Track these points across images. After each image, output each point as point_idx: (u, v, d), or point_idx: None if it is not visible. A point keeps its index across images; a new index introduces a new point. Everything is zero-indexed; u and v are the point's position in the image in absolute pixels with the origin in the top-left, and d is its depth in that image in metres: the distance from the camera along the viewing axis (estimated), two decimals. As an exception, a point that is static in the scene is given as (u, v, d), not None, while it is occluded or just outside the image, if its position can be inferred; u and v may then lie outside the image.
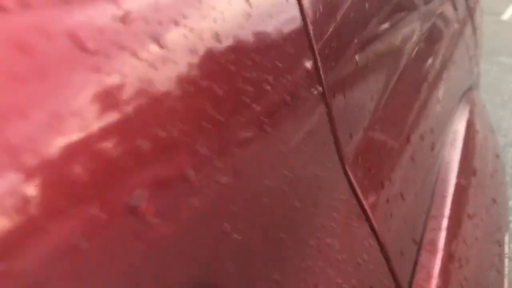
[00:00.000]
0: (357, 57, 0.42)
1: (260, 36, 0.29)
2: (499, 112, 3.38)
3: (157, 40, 0.21)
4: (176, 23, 0.23)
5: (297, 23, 0.34)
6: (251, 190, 0.26)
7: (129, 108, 0.19)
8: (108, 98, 0.18)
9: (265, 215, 0.27)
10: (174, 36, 0.23)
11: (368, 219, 0.41)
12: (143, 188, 0.19)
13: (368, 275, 0.39)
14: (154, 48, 0.21)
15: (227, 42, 0.26)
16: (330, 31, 0.38)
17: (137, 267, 0.19)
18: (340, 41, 0.40)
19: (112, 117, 0.18)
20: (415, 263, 0.46)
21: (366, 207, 0.41)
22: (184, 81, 0.22)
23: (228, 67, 0.25)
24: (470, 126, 0.81)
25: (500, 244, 0.68)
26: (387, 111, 0.48)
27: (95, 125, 0.18)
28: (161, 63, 0.21)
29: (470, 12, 1.31)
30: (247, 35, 0.28)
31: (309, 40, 0.35)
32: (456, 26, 1.02)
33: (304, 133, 0.34)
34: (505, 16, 6.88)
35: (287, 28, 0.33)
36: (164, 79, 0.21)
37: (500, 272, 0.64)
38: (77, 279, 0.16)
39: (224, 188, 0.23)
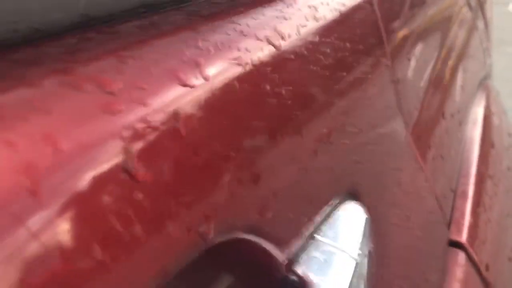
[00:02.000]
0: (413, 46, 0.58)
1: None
2: (508, 102, 3.50)
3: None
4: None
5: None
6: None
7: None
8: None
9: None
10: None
11: (422, 171, 0.57)
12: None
13: (425, 210, 0.56)
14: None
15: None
16: (398, 22, 0.54)
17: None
18: (404, 29, 0.56)
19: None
20: (453, 206, 0.63)
21: (421, 163, 0.57)
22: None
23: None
24: (487, 109, 0.97)
25: (514, 201, 0.85)
26: (430, 93, 0.64)
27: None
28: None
29: (482, 6, 1.46)
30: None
31: (379, 30, 0.51)
32: (470, 21, 1.17)
33: (379, 106, 0.50)
34: (512, 8, 6.93)
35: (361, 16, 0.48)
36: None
37: (515, 223, 0.81)
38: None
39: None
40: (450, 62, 0.82)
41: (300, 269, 0.30)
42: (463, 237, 0.59)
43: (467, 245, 0.58)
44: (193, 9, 0.30)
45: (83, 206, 0.18)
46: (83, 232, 0.17)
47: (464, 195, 0.66)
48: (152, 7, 0.28)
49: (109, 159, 0.19)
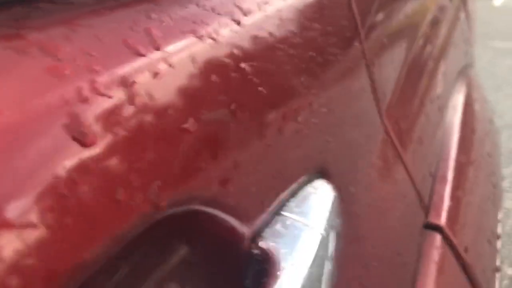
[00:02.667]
0: (387, 35, 0.58)
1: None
2: (493, 95, 3.52)
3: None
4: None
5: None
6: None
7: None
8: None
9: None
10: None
11: (398, 155, 0.57)
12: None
13: (400, 193, 0.56)
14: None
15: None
16: (373, 6, 0.54)
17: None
18: (377, 17, 0.56)
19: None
20: (432, 190, 0.63)
21: (398, 146, 0.57)
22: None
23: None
24: (467, 95, 0.97)
25: (494, 186, 0.85)
26: (408, 78, 0.65)
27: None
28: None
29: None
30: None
31: (354, 17, 0.51)
32: (452, 12, 1.18)
33: (351, 89, 0.50)
34: (497, 2, 6.99)
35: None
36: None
37: (495, 205, 0.81)
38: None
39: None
40: (429, 49, 0.83)
41: (264, 243, 0.30)
42: (442, 220, 0.59)
43: (445, 228, 0.58)
44: None
45: (32, 172, 0.17)
46: (33, 198, 0.17)
47: (444, 179, 0.66)
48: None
49: (54, 122, 0.19)
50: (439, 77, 0.83)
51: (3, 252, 0.16)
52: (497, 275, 0.70)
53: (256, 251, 0.30)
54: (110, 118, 0.21)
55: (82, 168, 0.19)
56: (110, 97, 0.21)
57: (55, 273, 0.18)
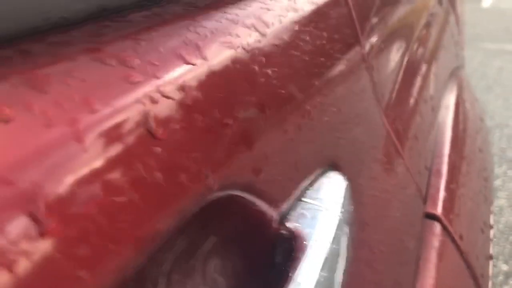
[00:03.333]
0: (385, 37, 0.63)
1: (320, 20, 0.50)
2: (485, 96, 3.59)
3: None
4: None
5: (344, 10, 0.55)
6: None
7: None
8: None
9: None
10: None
11: (397, 151, 0.62)
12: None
13: (401, 185, 0.61)
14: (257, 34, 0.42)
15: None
16: (370, 15, 0.59)
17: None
18: (376, 21, 0.61)
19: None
20: (428, 183, 0.68)
21: (396, 143, 0.62)
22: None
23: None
24: (459, 95, 1.03)
25: (486, 180, 0.91)
26: (403, 80, 0.70)
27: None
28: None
29: (453, 4, 1.53)
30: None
31: (352, 21, 0.56)
32: (442, 16, 1.24)
33: (355, 90, 0.55)
34: (486, 4, 7.09)
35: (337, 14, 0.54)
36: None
37: (486, 199, 0.86)
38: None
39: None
40: (422, 53, 0.88)
41: (290, 224, 0.35)
42: (438, 210, 0.64)
43: (442, 217, 0.63)
44: (189, 1, 0.34)
45: (117, 155, 0.22)
46: (118, 174, 0.22)
47: (439, 173, 0.71)
48: (153, 1, 0.32)
49: (133, 119, 0.23)
50: (432, 78, 0.88)
51: (101, 218, 0.21)
52: (490, 262, 0.75)
53: (284, 231, 0.34)
54: (173, 117, 0.26)
55: (154, 156, 0.24)
56: (172, 100, 0.26)
57: (138, 237, 0.23)
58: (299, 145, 0.39)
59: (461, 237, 0.64)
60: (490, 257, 0.76)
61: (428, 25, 0.93)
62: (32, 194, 0.18)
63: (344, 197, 0.40)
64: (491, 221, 0.84)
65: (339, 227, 0.37)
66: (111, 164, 0.21)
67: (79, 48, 0.24)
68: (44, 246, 0.18)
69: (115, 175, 0.21)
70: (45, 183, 0.18)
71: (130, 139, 0.23)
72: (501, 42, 5.08)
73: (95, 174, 0.21)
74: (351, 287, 0.40)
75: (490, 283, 0.73)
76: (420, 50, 0.85)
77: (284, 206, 0.36)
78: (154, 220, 0.24)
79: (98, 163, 0.21)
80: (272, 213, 0.34)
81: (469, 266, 0.65)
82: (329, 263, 0.35)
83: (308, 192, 0.39)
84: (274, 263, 0.34)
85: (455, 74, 1.16)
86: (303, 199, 0.38)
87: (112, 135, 0.22)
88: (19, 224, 0.17)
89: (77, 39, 0.25)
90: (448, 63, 1.14)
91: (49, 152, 0.19)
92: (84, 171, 0.20)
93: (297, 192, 0.37)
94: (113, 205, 0.21)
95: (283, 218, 0.35)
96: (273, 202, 0.35)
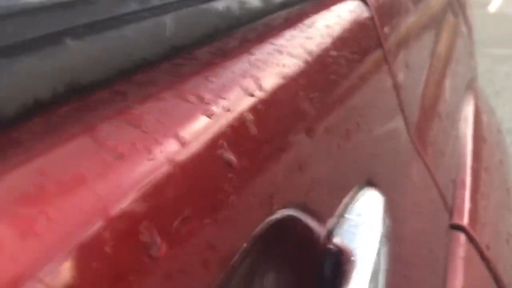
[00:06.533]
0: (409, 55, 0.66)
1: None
2: (493, 102, 3.59)
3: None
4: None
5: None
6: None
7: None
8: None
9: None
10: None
11: (425, 166, 0.65)
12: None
13: (429, 199, 0.63)
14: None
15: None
16: (397, 38, 0.62)
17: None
18: (402, 43, 0.64)
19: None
20: (454, 195, 0.70)
21: (425, 158, 0.65)
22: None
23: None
24: (476, 108, 1.05)
25: (508, 191, 0.93)
26: (426, 96, 0.72)
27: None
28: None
29: (464, 12, 1.56)
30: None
31: (377, 31, 0.59)
32: (457, 28, 1.26)
33: (385, 109, 0.58)
34: (492, 9, 7.07)
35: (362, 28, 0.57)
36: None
37: (510, 209, 0.88)
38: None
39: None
40: (441, 68, 0.91)
41: (337, 240, 0.37)
42: (464, 221, 0.66)
43: (468, 228, 0.66)
44: (241, 36, 0.37)
45: (202, 184, 0.25)
46: (204, 201, 0.25)
47: (463, 184, 0.73)
48: (212, 37, 0.35)
49: (214, 150, 0.26)
50: (451, 92, 0.91)
51: (195, 240, 0.23)
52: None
53: (331, 246, 0.37)
54: (243, 145, 0.28)
55: (229, 180, 0.27)
56: (241, 130, 0.29)
57: (223, 256, 0.25)
58: (339, 164, 0.42)
59: (487, 247, 0.67)
60: (515, 267, 0.78)
61: (446, 38, 0.95)
62: (144, 219, 0.20)
63: (383, 213, 0.43)
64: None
65: (380, 241, 0.39)
66: (198, 191, 0.24)
67: (162, 87, 0.27)
68: (154, 264, 0.20)
69: (202, 202, 0.24)
70: (153, 210, 0.21)
71: (213, 169, 0.26)
72: (508, 47, 5.07)
73: (187, 200, 0.23)
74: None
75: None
76: (439, 66, 0.88)
77: (330, 223, 0.38)
78: (234, 239, 0.26)
79: (190, 189, 0.24)
80: (320, 229, 0.37)
81: (495, 275, 0.67)
82: (374, 276, 0.38)
83: (349, 208, 0.41)
84: (323, 277, 0.37)
85: (471, 86, 1.18)
86: (345, 215, 0.40)
87: (200, 167, 0.25)
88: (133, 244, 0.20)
89: (158, 79, 0.28)
90: (464, 75, 1.17)
91: (152, 182, 0.22)
92: (179, 197, 0.23)
93: (340, 209, 0.40)
94: (203, 228, 0.24)
95: (330, 234, 0.38)
96: (321, 219, 0.37)
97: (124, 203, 0.20)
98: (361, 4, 0.57)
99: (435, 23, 0.95)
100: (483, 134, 0.95)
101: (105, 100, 0.24)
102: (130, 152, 0.22)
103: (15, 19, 0.22)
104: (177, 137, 0.24)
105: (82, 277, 0.17)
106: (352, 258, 0.36)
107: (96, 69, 0.25)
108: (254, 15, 0.41)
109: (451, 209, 0.67)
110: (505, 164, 1.00)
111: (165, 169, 0.23)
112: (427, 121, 0.71)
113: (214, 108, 0.27)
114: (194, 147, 0.25)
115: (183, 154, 0.24)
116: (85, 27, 0.26)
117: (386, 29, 0.63)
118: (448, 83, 0.95)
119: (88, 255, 0.18)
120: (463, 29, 1.45)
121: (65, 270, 0.17)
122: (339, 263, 0.37)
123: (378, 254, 0.39)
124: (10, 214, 0.17)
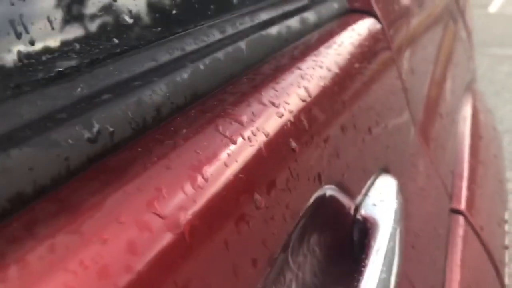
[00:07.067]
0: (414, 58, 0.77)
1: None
2: (493, 101, 3.67)
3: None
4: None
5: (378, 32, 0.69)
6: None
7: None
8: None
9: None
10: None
11: (428, 157, 0.76)
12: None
13: (433, 185, 0.74)
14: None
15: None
16: (401, 36, 0.73)
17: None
18: (408, 42, 0.75)
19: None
20: (453, 183, 0.82)
21: (428, 151, 0.76)
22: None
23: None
24: (474, 108, 1.16)
25: (501, 182, 1.04)
26: (430, 96, 0.83)
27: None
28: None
29: (463, 16, 1.66)
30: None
31: (388, 44, 0.70)
32: (457, 33, 1.37)
33: (396, 108, 0.69)
34: (493, 9, 7.12)
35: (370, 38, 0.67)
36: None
37: (502, 198, 0.99)
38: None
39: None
40: (441, 71, 1.02)
41: (364, 212, 0.49)
42: (462, 206, 0.78)
43: (465, 212, 0.77)
44: (288, 53, 0.48)
45: (279, 161, 0.36)
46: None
47: (461, 175, 0.85)
48: (269, 56, 0.46)
49: (284, 138, 0.37)
50: (451, 94, 1.02)
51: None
52: (506, 251, 0.88)
53: (359, 217, 0.48)
54: (301, 136, 0.39)
55: (292, 161, 0.38)
56: (301, 125, 0.40)
57: (293, 213, 0.36)
58: (364, 153, 0.53)
59: (481, 228, 0.78)
60: (506, 247, 0.89)
61: (445, 45, 1.07)
62: (254, 185, 0.31)
63: (397, 192, 0.54)
64: (506, 217, 0.97)
65: (396, 214, 0.50)
66: (277, 168, 0.35)
67: (247, 96, 0.38)
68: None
69: (279, 176, 0.35)
70: (257, 179, 0.32)
71: (284, 153, 0.37)
72: (508, 47, 5.13)
73: (271, 173, 0.34)
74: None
75: (506, 269, 0.86)
76: (440, 70, 0.99)
77: (357, 199, 0.49)
78: (298, 203, 0.37)
79: (272, 166, 0.35)
80: (351, 204, 0.48)
81: (488, 252, 0.78)
82: (393, 238, 0.49)
83: (371, 188, 0.52)
84: (353, 239, 0.48)
85: (469, 87, 1.29)
86: (368, 193, 0.51)
87: (277, 151, 0.36)
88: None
89: (243, 90, 0.39)
90: (463, 77, 1.28)
91: (253, 161, 0.33)
92: (267, 172, 0.34)
93: (365, 189, 0.51)
94: (280, 193, 0.35)
95: (357, 207, 0.49)
96: (352, 196, 0.48)
97: (244, 175, 0.31)
98: (375, 22, 0.68)
99: (437, 31, 1.06)
100: (480, 132, 1.06)
101: (218, 99, 0.35)
102: (239, 142, 0.33)
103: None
104: (263, 131, 0.35)
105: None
106: (376, 225, 0.48)
107: (207, 82, 0.36)
108: (296, 36, 0.52)
109: (451, 196, 0.78)
110: (499, 158, 1.11)
111: (259, 152, 0.34)
112: (430, 120, 0.82)
113: (282, 110, 0.38)
114: (273, 137, 0.36)
115: (267, 142, 0.35)
116: (193, 53, 0.37)
117: (395, 41, 0.74)
118: (448, 86, 1.06)
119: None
120: (463, 34, 1.56)
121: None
122: (364, 229, 0.48)
123: (394, 224, 0.50)
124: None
